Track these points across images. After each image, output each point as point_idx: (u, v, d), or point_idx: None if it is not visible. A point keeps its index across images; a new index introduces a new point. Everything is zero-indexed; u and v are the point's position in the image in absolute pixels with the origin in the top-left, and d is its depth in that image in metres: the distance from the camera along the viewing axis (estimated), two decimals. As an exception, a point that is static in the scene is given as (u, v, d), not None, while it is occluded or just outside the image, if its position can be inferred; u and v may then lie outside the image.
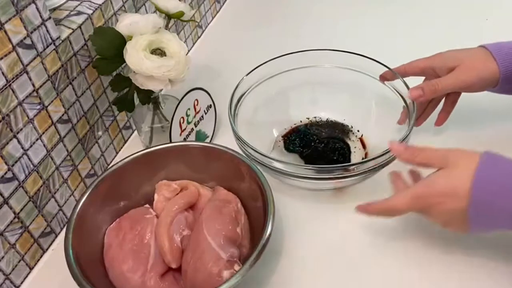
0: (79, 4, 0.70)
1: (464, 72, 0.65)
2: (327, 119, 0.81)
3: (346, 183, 0.68)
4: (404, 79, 0.71)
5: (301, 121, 0.81)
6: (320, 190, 0.71)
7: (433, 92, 0.66)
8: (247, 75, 0.75)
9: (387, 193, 0.69)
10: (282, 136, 0.79)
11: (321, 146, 0.76)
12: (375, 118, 0.78)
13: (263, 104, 0.78)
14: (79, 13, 0.69)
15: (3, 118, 0.57)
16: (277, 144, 0.78)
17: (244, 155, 0.66)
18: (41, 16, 0.60)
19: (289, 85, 0.79)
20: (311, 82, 0.80)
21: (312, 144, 0.77)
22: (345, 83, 0.78)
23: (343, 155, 0.75)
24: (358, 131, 0.78)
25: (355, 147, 0.76)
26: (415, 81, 0.71)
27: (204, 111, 0.78)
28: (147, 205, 0.67)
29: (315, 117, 0.81)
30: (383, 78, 0.74)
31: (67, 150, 0.68)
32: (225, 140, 0.75)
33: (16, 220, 0.61)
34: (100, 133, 0.76)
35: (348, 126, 0.79)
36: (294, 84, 0.79)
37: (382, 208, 0.56)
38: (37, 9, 0.59)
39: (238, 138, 0.67)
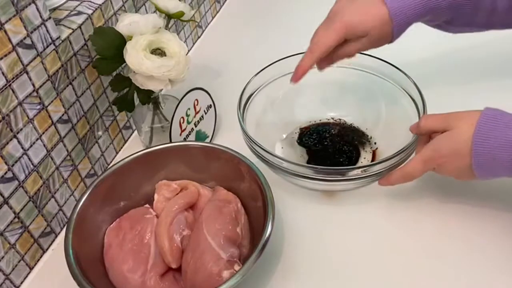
0: (79, 4, 0.70)
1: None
2: (351, 124, 0.79)
3: (341, 187, 0.67)
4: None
5: (327, 119, 0.80)
6: (320, 191, 0.71)
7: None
8: (256, 75, 0.74)
9: (385, 196, 0.69)
10: (301, 128, 0.79)
11: (332, 148, 0.75)
12: (384, 123, 0.76)
13: (270, 105, 0.77)
14: (79, 13, 0.69)
15: (3, 118, 0.57)
16: (291, 135, 0.78)
17: (250, 150, 0.65)
18: (41, 16, 0.60)
19: (297, 86, 0.78)
20: (320, 83, 0.78)
21: (325, 143, 0.76)
22: (355, 84, 0.77)
23: (350, 159, 0.74)
24: (375, 143, 0.76)
25: (364, 158, 0.74)
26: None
27: (204, 111, 0.78)
28: (147, 205, 0.67)
29: (340, 119, 0.80)
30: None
31: (67, 150, 0.68)
32: (225, 140, 0.75)
33: (16, 220, 0.61)
34: (100, 133, 0.76)
35: (368, 136, 0.77)
36: (302, 85, 0.78)
37: (400, 176, 0.61)
38: (37, 9, 0.59)
39: (247, 135, 0.66)
